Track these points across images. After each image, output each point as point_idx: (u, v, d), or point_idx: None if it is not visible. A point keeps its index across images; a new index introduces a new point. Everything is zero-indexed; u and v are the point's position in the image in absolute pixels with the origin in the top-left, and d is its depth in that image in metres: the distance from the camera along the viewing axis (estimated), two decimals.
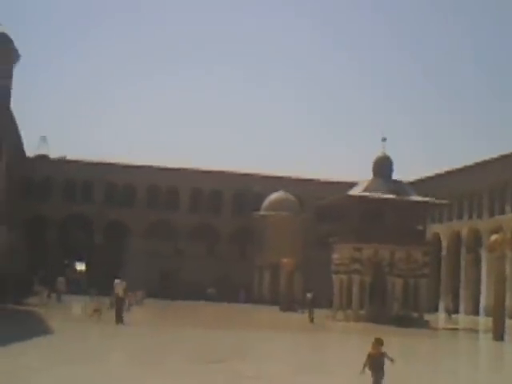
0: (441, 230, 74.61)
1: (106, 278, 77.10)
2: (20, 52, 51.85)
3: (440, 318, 61.65)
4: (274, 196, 79.69)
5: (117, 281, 36.19)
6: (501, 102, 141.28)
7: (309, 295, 48.29)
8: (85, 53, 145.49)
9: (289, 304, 60.87)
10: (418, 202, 51.51)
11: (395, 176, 52.66)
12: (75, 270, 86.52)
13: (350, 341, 34.15)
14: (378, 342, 12.81)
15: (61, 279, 54.81)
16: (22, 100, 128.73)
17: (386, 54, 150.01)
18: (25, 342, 22.07)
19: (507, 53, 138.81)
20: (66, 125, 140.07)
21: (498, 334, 36.23)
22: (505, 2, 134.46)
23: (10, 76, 51.18)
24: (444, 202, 59.28)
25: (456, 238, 73.43)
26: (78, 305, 51.33)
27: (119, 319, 33.67)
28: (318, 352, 26.63)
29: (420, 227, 52.81)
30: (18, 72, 52.58)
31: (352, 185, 55.64)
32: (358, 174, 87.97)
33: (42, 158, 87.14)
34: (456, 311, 69.68)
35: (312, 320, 44.73)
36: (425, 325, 46.99)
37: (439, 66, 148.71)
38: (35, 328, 28.41)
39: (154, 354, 21.74)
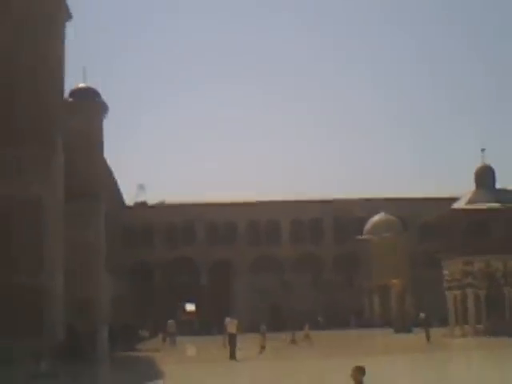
0: None
1: (216, 317, 78.45)
2: (108, 104, 53.20)
3: None
4: (375, 218, 78.76)
5: (227, 319, 36.49)
6: None
7: (422, 314, 47.13)
8: (170, 97, 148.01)
9: (402, 325, 59.75)
10: None
11: (498, 185, 51.40)
12: (185, 311, 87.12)
13: (473, 358, 32.89)
14: (358, 371, 10.34)
15: (171, 322, 55.17)
16: (116, 151, 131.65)
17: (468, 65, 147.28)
18: None
19: None
20: (162, 170, 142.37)
21: None
22: None
23: (100, 128, 52.56)
24: None
25: None
26: (192, 346, 51.53)
27: (233, 355, 33.89)
28: (443, 374, 25.44)
29: None
30: (108, 124, 53.94)
31: (453, 200, 54.45)
32: (458, 188, 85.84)
33: (142, 205, 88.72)
34: None
35: (429, 339, 43.58)
36: None
37: None
38: (146, 373, 28.32)
39: None
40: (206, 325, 75.18)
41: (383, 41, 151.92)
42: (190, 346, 50.82)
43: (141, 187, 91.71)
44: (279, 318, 75.06)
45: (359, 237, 78.74)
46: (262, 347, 39.15)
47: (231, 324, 35.66)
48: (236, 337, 34.94)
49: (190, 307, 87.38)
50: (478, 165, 51.63)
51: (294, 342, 46.62)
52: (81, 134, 48.81)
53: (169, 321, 56.09)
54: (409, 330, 57.44)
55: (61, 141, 37.74)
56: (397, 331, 58.57)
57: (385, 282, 69.66)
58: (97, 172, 51.03)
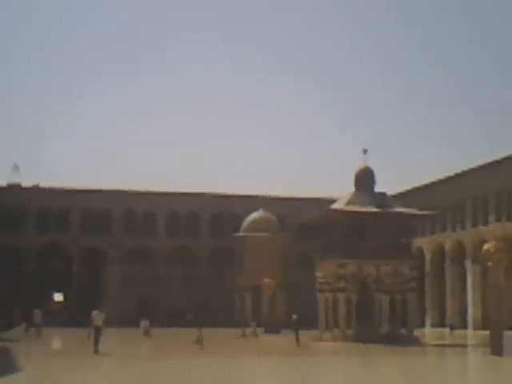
0: (424, 243, 73.20)
1: (85, 308, 75.86)
2: None
3: (427, 333, 59.82)
4: (252, 216, 78.04)
5: (95, 312, 35.83)
6: (482, 109, 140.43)
7: (294, 316, 46.11)
8: (51, 72, 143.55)
9: (273, 326, 59.07)
10: (402, 215, 49.85)
11: (378, 189, 51.11)
12: (53, 301, 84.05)
13: (339, 364, 32.01)
14: None
15: (37, 312, 52.55)
16: None
17: (365, 66, 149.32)
18: None
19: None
20: (37, 152, 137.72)
21: (497, 349, 34.27)
22: None
23: None
24: (430, 212, 57.91)
25: (440, 251, 72.05)
26: (57, 338, 49.28)
27: (96, 349, 33.70)
28: (304, 379, 24.38)
29: (405, 240, 51.10)
30: None
31: (333, 201, 53.87)
32: (339, 190, 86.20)
33: (14, 187, 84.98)
34: (442, 326, 68.33)
35: (298, 342, 42.76)
36: (416, 341, 45.29)
37: (421, 74, 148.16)
38: (2, 366, 26.13)
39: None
40: (75, 316, 72.61)
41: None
42: (54, 338, 48.61)
43: (15, 167, 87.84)
44: (147, 312, 73.33)
45: (236, 234, 77.83)
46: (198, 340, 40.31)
47: (98, 317, 35.31)
48: (101, 330, 34.75)
49: (59, 297, 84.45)
50: (359, 166, 51.18)
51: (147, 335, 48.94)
52: None
53: (35, 310, 53.54)
54: (278, 332, 56.74)
55: None
56: (267, 332, 57.79)
57: (258, 282, 68.77)
58: None
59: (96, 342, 33.94)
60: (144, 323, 51.45)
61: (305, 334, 44.23)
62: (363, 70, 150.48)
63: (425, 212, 55.52)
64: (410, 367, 30.26)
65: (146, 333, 49.91)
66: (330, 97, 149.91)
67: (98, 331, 34.50)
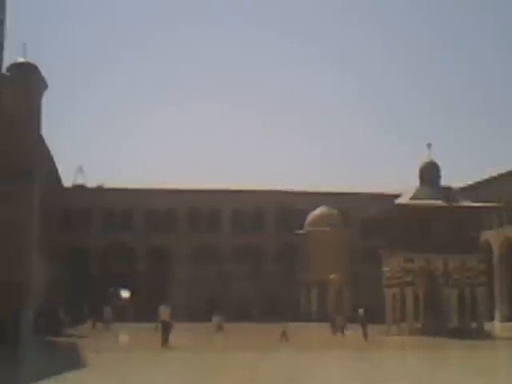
0: (491, 236, 72.09)
1: (151, 304, 76.90)
2: (48, 81, 50.97)
3: (497, 327, 58.77)
4: (317, 212, 78.05)
5: (162, 306, 36.09)
6: None
7: (360, 311, 45.96)
8: (114, 77, 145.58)
9: (338, 321, 59.01)
10: (468, 208, 49.37)
11: (443, 183, 50.66)
12: (120, 298, 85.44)
13: (408, 359, 31.62)
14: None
15: (107, 309, 53.77)
16: (55, 132, 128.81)
17: (429, 57, 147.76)
18: (50, 378, 20.15)
19: None
20: (101, 153, 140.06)
21: None
22: None
23: (38, 105, 50.24)
24: (497, 205, 57.14)
25: (508, 244, 70.99)
26: (124, 333, 50.04)
27: (165, 343, 34.01)
28: (375, 375, 23.76)
29: (473, 234, 50.53)
30: (48, 104, 51.63)
31: (397, 196, 53.58)
32: (403, 185, 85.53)
33: (80, 188, 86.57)
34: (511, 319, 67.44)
35: (366, 336, 42.67)
36: (486, 335, 44.75)
37: (487, 66, 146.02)
38: (70, 361, 26.53)
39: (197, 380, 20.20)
40: (141, 312, 73.67)
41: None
42: (122, 333, 49.36)
43: (80, 169, 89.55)
44: (216, 307, 73.98)
45: (300, 230, 77.93)
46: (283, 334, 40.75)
47: (165, 312, 35.40)
48: (169, 324, 34.87)
49: (125, 294, 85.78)
50: (423, 160, 50.81)
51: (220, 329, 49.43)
52: (15, 109, 46.48)
53: (105, 307, 54.69)
54: (343, 326, 56.62)
55: None
56: (333, 326, 57.65)
57: (324, 277, 68.90)
58: (32, 150, 48.64)
59: (164, 336, 34.17)
60: (216, 318, 51.79)
61: (371, 329, 44.12)
62: (428, 63, 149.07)
63: (492, 204, 54.90)
64: (483, 361, 29.81)
65: (219, 327, 50.29)
66: (394, 90, 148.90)
67: (165, 326, 34.72)
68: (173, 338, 34.92)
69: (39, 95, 50.66)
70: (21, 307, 35.68)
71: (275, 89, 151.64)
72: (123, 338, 47.13)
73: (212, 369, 24.57)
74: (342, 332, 45.62)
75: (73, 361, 26.27)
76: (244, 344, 40.48)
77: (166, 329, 34.60)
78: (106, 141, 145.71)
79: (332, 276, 66.04)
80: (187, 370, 24.64)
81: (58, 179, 79.60)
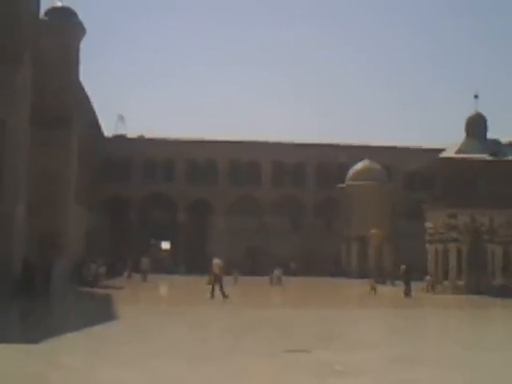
0: None
1: (191, 256, 76.84)
2: (86, 27, 50.09)
3: None
4: (359, 165, 76.63)
5: (215, 259, 36.32)
6: None
7: (403, 267, 44.73)
8: (154, 23, 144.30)
9: (379, 276, 58.05)
10: None
11: (490, 136, 48.94)
12: (160, 249, 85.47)
13: (451, 317, 30.34)
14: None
15: (144, 259, 53.51)
16: (96, 80, 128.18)
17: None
18: (81, 331, 19.33)
19: None
20: (142, 103, 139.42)
21: None
22: None
23: (76, 51, 49.45)
24: None
25: None
26: (162, 285, 49.73)
27: (212, 294, 34.12)
28: (419, 334, 22.44)
29: None
30: (88, 53, 50.94)
31: (441, 150, 51.88)
32: (449, 139, 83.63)
33: (121, 138, 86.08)
34: None
35: (407, 294, 41.59)
36: None
37: None
38: (101, 313, 25.83)
39: (233, 337, 19.26)
40: (181, 264, 73.80)
41: None
42: (159, 285, 48.99)
43: (120, 118, 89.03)
44: (254, 261, 73.69)
45: (341, 184, 76.76)
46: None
47: (215, 265, 35.63)
48: (220, 278, 35.06)
49: (166, 245, 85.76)
50: (470, 113, 49.06)
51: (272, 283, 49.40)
52: (54, 55, 45.76)
53: (142, 258, 54.44)
54: (384, 283, 55.72)
55: (28, 59, 34.96)
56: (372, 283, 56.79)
57: (364, 232, 67.78)
58: (71, 97, 48.00)
59: (214, 289, 34.28)
60: (276, 271, 51.27)
61: (413, 286, 43.06)
62: (478, 9, 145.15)
63: None
64: None
65: (278, 281, 49.82)
66: (442, 38, 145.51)
67: (216, 279, 34.85)
68: (226, 290, 34.64)
69: (77, 41, 49.83)
70: (57, 256, 35.26)
71: (311, 42, 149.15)
72: (160, 289, 46.77)
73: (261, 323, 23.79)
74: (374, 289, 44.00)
75: (105, 312, 25.68)
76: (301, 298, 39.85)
77: (218, 282, 34.68)
78: (147, 90, 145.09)
79: (373, 231, 64.81)
80: (230, 324, 23.82)
81: (99, 128, 79.21)
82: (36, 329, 19.96)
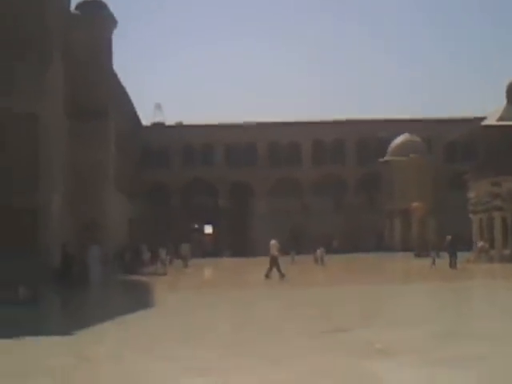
0: None
1: (234, 240, 77.00)
2: (118, 18, 50.38)
3: None
4: (399, 140, 76.01)
5: (272, 241, 36.68)
6: None
7: (448, 238, 43.91)
8: (187, 10, 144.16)
9: (423, 249, 57.55)
10: None
11: None
12: (203, 233, 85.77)
13: (499, 289, 29.28)
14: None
15: (185, 245, 53.65)
16: (131, 70, 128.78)
17: None
18: (116, 320, 18.90)
19: None
20: (179, 90, 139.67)
21: None
22: None
23: (109, 42, 49.78)
24: None
25: None
26: (205, 270, 49.78)
27: (269, 275, 34.75)
28: (465, 308, 21.62)
29: None
30: (120, 42, 51.19)
31: (482, 119, 50.97)
32: (490, 108, 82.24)
33: (159, 126, 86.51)
34: None
35: (454, 265, 40.98)
36: None
37: None
38: (139, 301, 25.60)
39: (272, 319, 19.08)
40: (224, 247, 74.02)
41: None
42: (201, 270, 48.98)
43: (158, 107, 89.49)
44: (298, 242, 73.44)
45: (382, 159, 76.20)
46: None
47: (273, 246, 36.18)
48: (276, 259, 35.54)
49: (209, 229, 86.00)
50: (511, 78, 48.01)
51: (316, 262, 49.76)
52: (87, 48, 46.08)
53: (183, 244, 54.57)
54: (428, 255, 55.11)
55: (59, 53, 35.25)
56: (417, 255, 56.41)
57: (407, 206, 67.22)
58: (106, 88, 48.30)
59: (273, 269, 34.88)
60: (319, 251, 51.32)
61: (459, 257, 42.45)
62: None
63: None
64: None
65: (321, 260, 49.86)
66: (478, 5, 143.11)
67: (273, 260, 35.37)
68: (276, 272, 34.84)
69: (109, 32, 50.09)
70: (93, 244, 35.53)
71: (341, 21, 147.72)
72: (201, 274, 46.70)
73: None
74: (433, 262, 43.21)
75: (142, 300, 25.63)
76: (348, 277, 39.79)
77: (274, 263, 35.19)
78: (183, 77, 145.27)
79: (415, 204, 64.24)
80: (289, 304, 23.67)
81: (137, 118, 79.61)
82: (70, 319, 19.96)
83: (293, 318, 19.38)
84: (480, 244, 44.62)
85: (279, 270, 34.94)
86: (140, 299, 26.58)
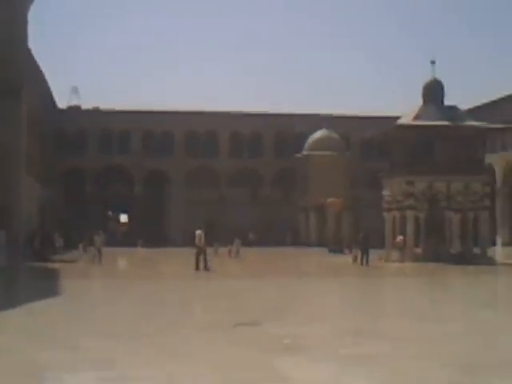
0: (494, 160, 70.15)
1: (149, 229, 75.89)
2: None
3: (499, 252, 57.12)
4: (316, 135, 76.32)
5: (198, 231, 36.55)
6: None
7: (361, 235, 44.27)
8: None
9: (337, 245, 57.90)
10: (474, 129, 47.14)
11: (448, 103, 48.42)
12: (119, 222, 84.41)
13: (409, 286, 29.65)
14: None
15: (97, 238, 52.45)
16: (48, 52, 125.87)
17: None
18: (19, 307, 18.50)
19: None
20: (97, 75, 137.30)
21: None
22: None
23: (24, 21, 47.96)
24: (504, 125, 54.97)
25: (511, 168, 69.29)
26: (118, 259, 48.84)
27: (198, 267, 34.72)
28: (374, 305, 21.63)
29: (477, 156, 48.62)
30: (37, 19, 49.47)
31: (399, 118, 51.34)
32: (405, 107, 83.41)
33: (75, 110, 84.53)
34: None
35: (365, 262, 41.21)
36: (489, 261, 43.28)
37: None
38: (45, 289, 24.74)
39: (181, 311, 18.60)
40: (138, 237, 72.80)
41: None
42: (115, 260, 47.98)
43: (74, 90, 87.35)
44: (213, 233, 72.83)
45: (299, 154, 76.34)
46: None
47: (199, 237, 36.12)
48: (203, 250, 35.52)
49: (124, 218, 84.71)
50: (427, 79, 48.43)
51: (229, 254, 49.34)
52: (0, 24, 44.30)
53: (95, 236, 53.36)
54: (342, 251, 55.46)
55: None
56: (331, 251, 56.64)
57: (323, 201, 67.47)
58: (19, 67, 46.53)
59: (198, 261, 34.77)
60: (236, 242, 50.82)
61: (371, 254, 42.72)
62: None
63: (497, 126, 53.01)
64: (487, 288, 28.47)
65: (237, 252, 49.53)
66: (397, 4, 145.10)
67: (199, 251, 35.24)
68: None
69: (25, 9, 48.34)
70: (2, 230, 34.19)
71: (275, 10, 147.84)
72: (114, 264, 45.67)
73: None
74: (355, 259, 43.15)
75: (49, 288, 24.77)
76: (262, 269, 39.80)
77: (201, 254, 35.13)
78: (101, 62, 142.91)
79: (330, 200, 64.51)
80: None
81: (52, 100, 77.62)
82: None
83: (206, 310, 19.05)
84: (399, 238, 44.83)
85: (205, 261, 34.84)
86: (47, 287, 25.74)
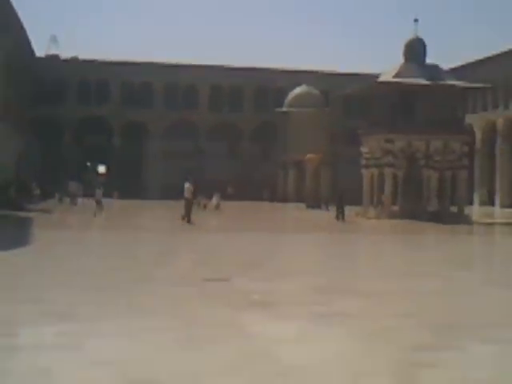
0: (475, 120, 70.09)
1: (126, 180, 75.35)
2: None
3: (476, 211, 57.14)
4: (296, 91, 75.71)
5: (187, 184, 37.08)
6: None
7: (339, 191, 44.17)
8: None
9: (315, 201, 57.80)
10: (454, 88, 46.84)
11: (429, 60, 48.01)
12: (97, 172, 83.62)
13: (385, 243, 29.63)
14: None
15: (72, 183, 51.98)
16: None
17: None
18: None
19: None
20: (75, 23, 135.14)
21: None
22: None
23: None
24: (485, 85, 54.57)
25: (491, 129, 69.28)
26: (93, 210, 48.36)
27: (188, 219, 35.17)
28: (347, 262, 21.30)
29: (457, 115, 48.41)
30: None
31: (379, 76, 50.87)
32: (387, 65, 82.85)
33: (53, 59, 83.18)
34: (491, 204, 66.76)
35: (341, 218, 41.26)
36: (466, 219, 43.29)
37: None
38: (15, 238, 24.38)
39: (151, 265, 18.38)
40: (115, 188, 72.18)
41: None
42: (89, 209, 47.43)
43: (53, 39, 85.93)
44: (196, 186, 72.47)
45: (279, 109, 75.83)
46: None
47: (187, 190, 36.59)
48: (191, 201, 36.23)
49: (102, 169, 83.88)
50: (409, 37, 47.96)
51: (205, 208, 49.29)
52: None
53: (70, 182, 52.97)
54: (320, 207, 55.47)
55: None
56: (309, 207, 56.57)
57: (301, 157, 67.19)
58: None
59: (187, 213, 35.23)
60: (216, 196, 50.72)
61: (348, 210, 42.72)
62: None
63: (478, 85, 52.67)
64: (463, 245, 28.53)
65: (217, 206, 49.54)
66: None
67: (187, 203, 35.66)
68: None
69: None
70: None
71: None
72: (89, 214, 45.15)
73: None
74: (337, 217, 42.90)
75: (19, 237, 24.44)
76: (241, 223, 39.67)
77: (189, 206, 35.61)
78: (81, 10, 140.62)
79: (309, 156, 64.21)
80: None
81: (30, 48, 76.34)
82: None
83: (178, 264, 18.81)
84: (384, 196, 44.78)
85: (188, 215, 35.20)
86: (18, 236, 25.41)
